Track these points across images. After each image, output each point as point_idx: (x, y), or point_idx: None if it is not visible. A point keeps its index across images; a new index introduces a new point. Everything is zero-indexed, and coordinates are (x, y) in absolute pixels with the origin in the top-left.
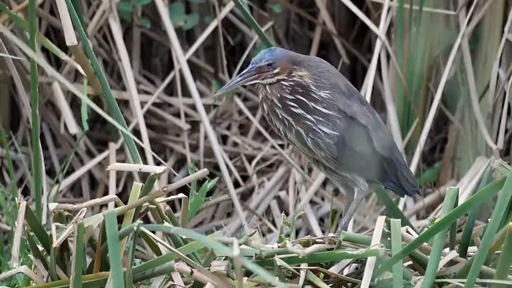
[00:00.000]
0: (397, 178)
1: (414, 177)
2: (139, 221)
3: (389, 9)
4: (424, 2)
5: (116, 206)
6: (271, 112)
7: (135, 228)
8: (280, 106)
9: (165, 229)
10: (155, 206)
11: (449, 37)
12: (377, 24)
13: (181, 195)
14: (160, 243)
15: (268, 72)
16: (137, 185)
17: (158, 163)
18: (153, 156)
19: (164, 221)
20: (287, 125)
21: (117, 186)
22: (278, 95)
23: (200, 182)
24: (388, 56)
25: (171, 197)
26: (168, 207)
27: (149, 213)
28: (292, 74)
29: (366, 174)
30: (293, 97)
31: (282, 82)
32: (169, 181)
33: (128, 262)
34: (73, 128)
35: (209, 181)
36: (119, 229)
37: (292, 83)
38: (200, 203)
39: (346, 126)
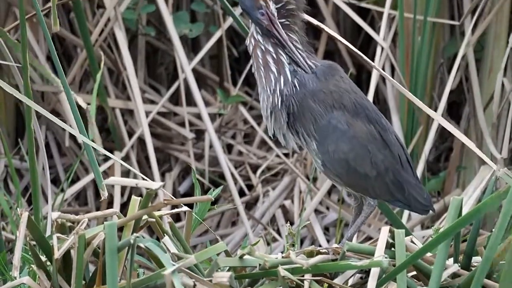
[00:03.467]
0: (405, 198)
1: (427, 196)
2: (136, 234)
3: (393, 18)
4: (429, 11)
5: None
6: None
7: (131, 241)
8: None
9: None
10: (154, 219)
11: (453, 46)
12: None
13: (185, 208)
14: (160, 256)
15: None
16: (136, 199)
17: (163, 173)
18: (159, 165)
19: (165, 233)
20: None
21: (122, 195)
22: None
23: (205, 191)
24: (392, 65)
25: (175, 210)
26: (170, 219)
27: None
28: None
29: (371, 194)
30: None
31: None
32: (174, 190)
33: (127, 275)
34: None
35: (214, 190)
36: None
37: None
38: (205, 214)
39: (347, 144)
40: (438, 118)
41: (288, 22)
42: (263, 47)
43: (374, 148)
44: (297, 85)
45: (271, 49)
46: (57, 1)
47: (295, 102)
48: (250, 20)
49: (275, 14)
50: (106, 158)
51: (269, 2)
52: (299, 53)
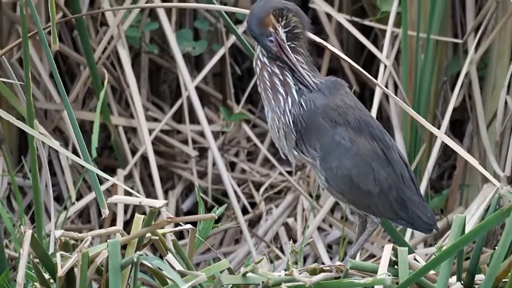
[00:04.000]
0: (408, 216)
1: (430, 214)
2: (139, 252)
3: (396, 36)
4: (432, 29)
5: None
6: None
7: (135, 259)
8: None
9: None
10: (157, 237)
11: (456, 64)
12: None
13: (188, 226)
14: (163, 274)
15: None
16: (139, 216)
17: (166, 191)
18: (162, 182)
19: (169, 251)
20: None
21: (125, 213)
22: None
23: (209, 209)
24: (395, 83)
25: (178, 228)
26: (173, 237)
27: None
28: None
29: (374, 212)
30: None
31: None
32: (177, 207)
33: None
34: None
35: (217, 208)
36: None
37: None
38: (208, 232)
39: (350, 160)
40: (442, 136)
41: (294, 45)
42: (269, 69)
43: (377, 165)
44: (303, 104)
45: (277, 71)
46: (59, 19)
47: (303, 120)
48: (257, 44)
49: (285, 39)
50: (110, 175)
51: (278, 29)
52: (306, 73)
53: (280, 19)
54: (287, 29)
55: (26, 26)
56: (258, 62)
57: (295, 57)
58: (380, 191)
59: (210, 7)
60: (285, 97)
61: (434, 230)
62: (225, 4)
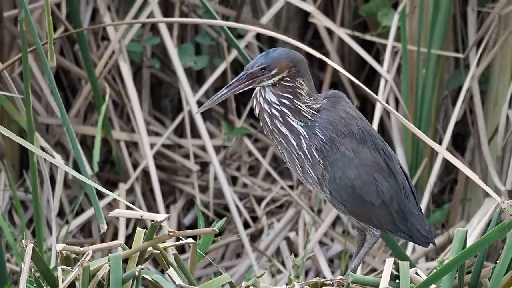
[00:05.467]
0: (407, 228)
1: (429, 228)
2: (141, 266)
3: (397, 52)
4: (433, 44)
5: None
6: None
7: (136, 273)
8: (269, 111)
9: (161, 279)
10: (159, 251)
11: (458, 79)
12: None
13: (189, 240)
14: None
15: (263, 76)
16: (140, 230)
17: (168, 205)
18: (163, 197)
19: (170, 265)
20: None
21: (127, 227)
22: (272, 96)
23: (210, 223)
24: (396, 97)
25: (179, 242)
26: (175, 251)
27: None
28: (294, 75)
29: (374, 223)
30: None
31: (283, 82)
32: (179, 222)
33: None
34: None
35: (217, 222)
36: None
37: (291, 86)
38: (208, 246)
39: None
40: (443, 152)
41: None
42: (269, 112)
43: (380, 176)
44: (319, 133)
45: (277, 113)
46: (60, 33)
47: (327, 145)
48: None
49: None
50: (110, 190)
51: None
52: (306, 106)
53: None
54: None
55: (26, 43)
56: (255, 104)
57: (296, 91)
58: (381, 202)
59: (213, 23)
60: (292, 136)
61: (431, 244)
62: (227, 19)
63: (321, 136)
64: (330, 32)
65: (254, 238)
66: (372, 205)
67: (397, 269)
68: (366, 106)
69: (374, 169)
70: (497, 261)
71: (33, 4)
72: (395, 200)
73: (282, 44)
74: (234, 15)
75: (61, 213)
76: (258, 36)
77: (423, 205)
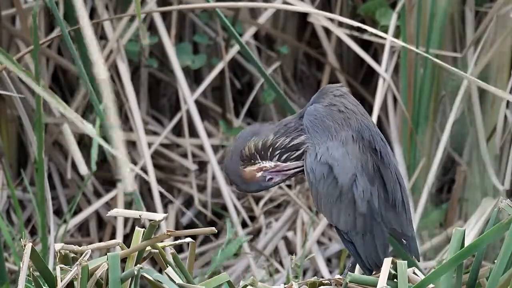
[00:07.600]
0: (363, 240)
1: (384, 254)
2: (139, 265)
3: (395, 51)
4: (431, 43)
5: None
6: None
7: (135, 273)
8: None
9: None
10: (157, 251)
11: (456, 78)
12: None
13: (188, 239)
14: (163, 287)
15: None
16: (139, 230)
17: (166, 204)
18: (161, 196)
19: (169, 264)
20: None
21: (124, 226)
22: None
23: (208, 222)
24: (394, 96)
25: (178, 241)
26: (173, 250)
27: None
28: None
29: (333, 220)
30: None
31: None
32: (177, 221)
33: None
34: (82, 169)
35: (217, 223)
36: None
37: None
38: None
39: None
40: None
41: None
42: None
43: (360, 178)
44: (317, 152)
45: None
46: (57, 33)
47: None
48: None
49: (276, 163)
50: (109, 189)
51: (265, 165)
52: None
53: (253, 157)
54: (265, 153)
55: (38, 39)
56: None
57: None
58: (353, 200)
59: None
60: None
61: (373, 272)
62: (225, 17)
63: (323, 152)
64: (328, 31)
65: (252, 237)
66: (335, 207)
67: (395, 269)
68: (364, 106)
69: (356, 170)
70: (495, 261)
71: (31, 4)
72: (367, 206)
73: (281, 44)
74: (231, 15)
75: (59, 212)
76: (256, 36)
77: (421, 204)
